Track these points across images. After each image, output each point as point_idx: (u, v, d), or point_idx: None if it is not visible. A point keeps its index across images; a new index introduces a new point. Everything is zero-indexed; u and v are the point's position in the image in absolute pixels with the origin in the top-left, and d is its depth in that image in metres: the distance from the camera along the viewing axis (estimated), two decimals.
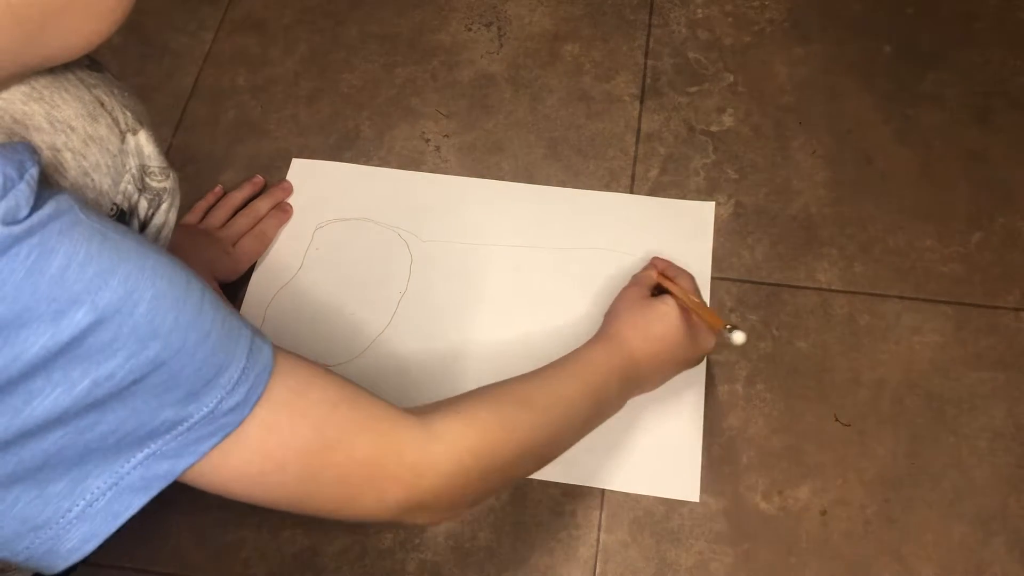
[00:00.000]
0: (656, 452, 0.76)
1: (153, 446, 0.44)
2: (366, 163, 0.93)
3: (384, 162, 0.92)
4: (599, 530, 0.74)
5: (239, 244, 0.85)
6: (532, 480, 0.76)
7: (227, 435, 0.46)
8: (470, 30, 1.00)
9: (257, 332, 0.48)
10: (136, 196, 0.53)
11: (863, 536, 0.73)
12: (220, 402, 0.45)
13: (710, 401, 0.78)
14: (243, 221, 0.87)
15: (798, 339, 0.80)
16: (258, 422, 0.47)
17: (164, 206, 0.55)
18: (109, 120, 0.51)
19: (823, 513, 0.74)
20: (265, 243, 0.87)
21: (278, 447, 0.48)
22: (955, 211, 0.86)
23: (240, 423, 0.46)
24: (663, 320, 0.71)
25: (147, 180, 0.54)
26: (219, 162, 0.94)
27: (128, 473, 0.44)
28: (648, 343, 0.70)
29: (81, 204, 0.41)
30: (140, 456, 0.44)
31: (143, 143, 0.53)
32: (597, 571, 0.73)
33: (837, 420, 0.77)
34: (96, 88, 0.51)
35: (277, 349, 0.49)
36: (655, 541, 0.73)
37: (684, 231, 0.86)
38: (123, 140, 0.52)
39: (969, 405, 0.77)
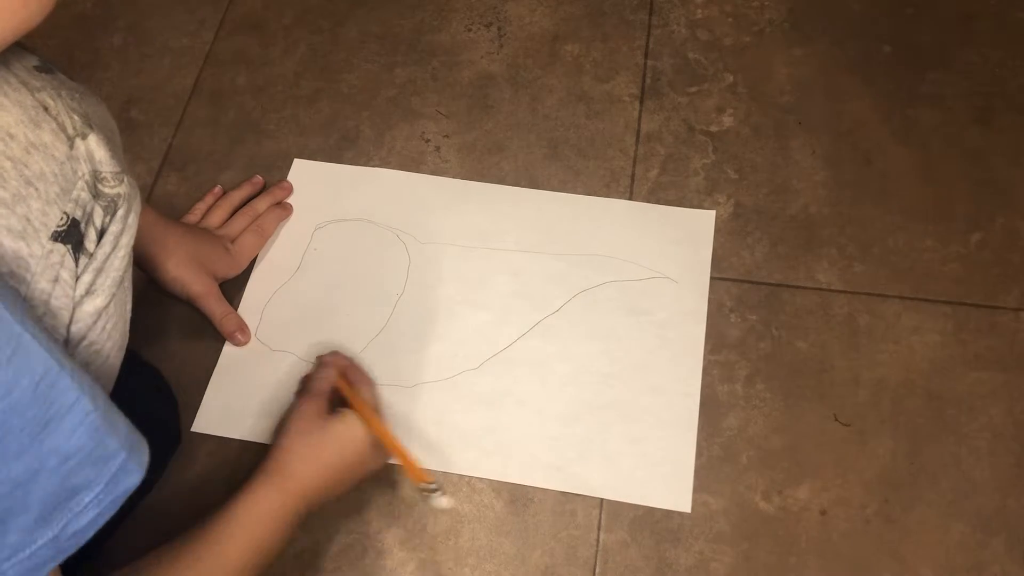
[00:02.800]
0: (649, 462, 0.76)
1: None
2: (366, 163, 0.93)
3: (384, 162, 0.92)
4: (599, 530, 0.74)
5: (238, 241, 0.85)
6: None
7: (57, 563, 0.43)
8: (470, 30, 1.00)
9: (137, 450, 0.45)
10: (91, 203, 0.51)
11: (863, 536, 0.73)
12: (62, 529, 0.42)
13: (710, 401, 0.78)
14: (242, 220, 0.87)
15: (798, 339, 0.80)
16: None
17: (120, 212, 0.53)
18: (54, 125, 0.49)
19: (823, 513, 0.74)
20: (264, 239, 0.87)
21: None
22: (955, 211, 0.86)
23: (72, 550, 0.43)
24: (341, 445, 0.68)
25: (100, 186, 0.51)
26: (219, 162, 0.94)
27: None
28: (323, 472, 0.67)
29: None
30: None
31: (94, 147, 0.51)
32: (597, 571, 0.73)
33: (837, 420, 0.77)
34: (41, 92, 0.49)
35: None
36: (655, 541, 0.73)
37: (684, 239, 0.85)
38: (71, 146, 0.50)
39: (969, 405, 0.77)
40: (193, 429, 0.79)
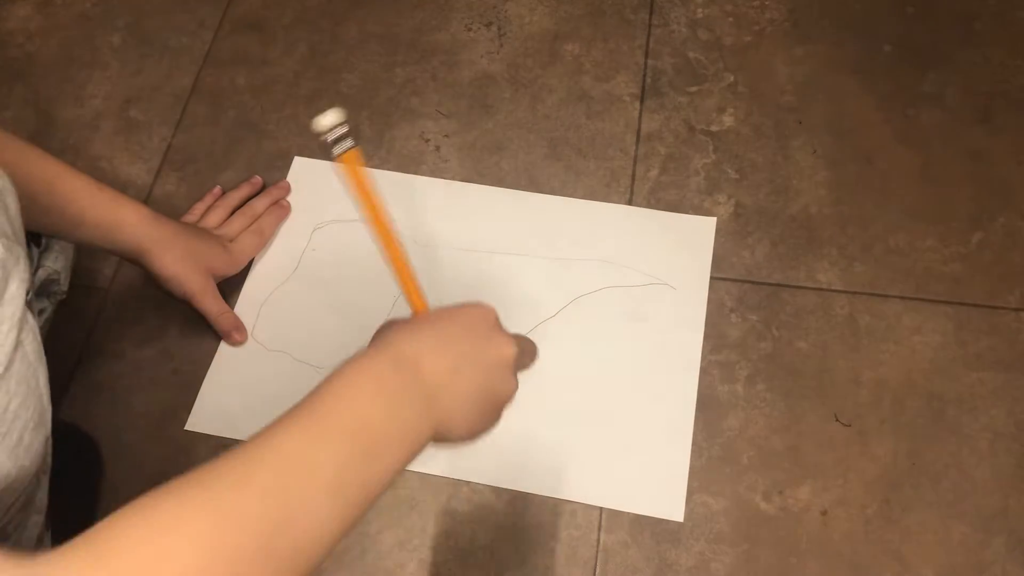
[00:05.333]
0: (642, 470, 0.75)
1: None
2: (366, 163, 0.92)
3: (384, 162, 0.92)
4: (599, 530, 0.74)
5: (237, 240, 0.85)
6: None
7: None
8: (470, 30, 1.00)
9: None
10: None
11: (863, 536, 0.72)
12: None
13: (710, 401, 0.78)
14: (241, 220, 0.86)
15: (798, 339, 0.80)
16: None
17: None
18: None
19: (823, 513, 0.73)
20: (264, 239, 0.87)
21: None
22: (955, 211, 0.86)
23: None
24: (425, 317, 0.57)
25: None
26: (219, 162, 0.94)
27: None
28: (418, 336, 0.52)
29: None
30: None
31: None
32: (597, 571, 0.73)
33: (837, 420, 0.77)
34: None
35: None
36: (655, 541, 0.73)
37: (683, 245, 0.85)
38: None
39: (969, 405, 0.77)
40: (187, 428, 0.79)
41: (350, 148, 0.47)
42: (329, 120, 0.45)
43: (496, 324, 0.57)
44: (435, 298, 0.83)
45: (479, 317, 0.56)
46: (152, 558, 0.35)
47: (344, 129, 0.47)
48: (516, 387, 0.57)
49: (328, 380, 0.49)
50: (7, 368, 0.48)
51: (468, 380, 0.53)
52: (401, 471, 0.47)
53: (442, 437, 0.52)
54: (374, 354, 0.50)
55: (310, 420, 0.46)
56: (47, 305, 0.75)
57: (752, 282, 0.83)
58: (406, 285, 0.57)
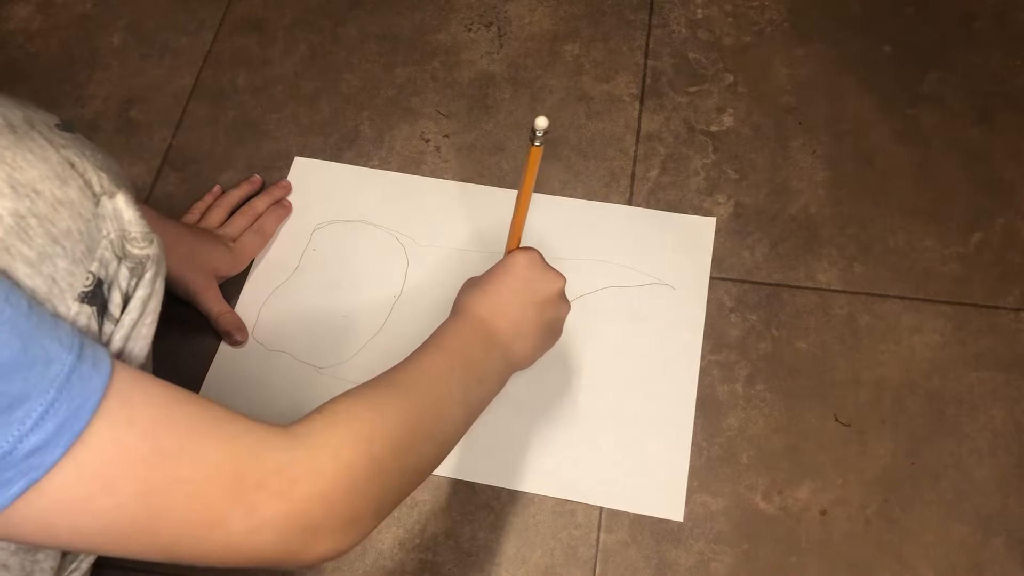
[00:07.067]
0: (642, 470, 0.76)
1: None
2: (366, 163, 0.93)
3: (384, 162, 0.92)
4: (599, 530, 0.74)
5: (239, 240, 0.85)
6: None
7: (33, 483, 0.40)
8: (470, 30, 1.00)
9: (88, 355, 0.42)
10: (115, 264, 0.49)
11: (863, 536, 0.73)
12: (19, 442, 0.39)
13: (710, 401, 0.78)
14: (242, 219, 0.86)
15: (798, 339, 0.80)
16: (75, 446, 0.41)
17: (148, 275, 0.51)
18: (80, 182, 0.47)
19: (823, 513, 0.74)
20: (265, 238, 0.87)
21: (103, 464, 0.41)
22: (955, 211, 0.86)
23: (51, 467, 0.40)
24: (490, 276, 0.70)
25: (128, 247, 0.50)
26: (219, 162, 0.94)
27: None
28: (488, 299, 0.68)
29: None
30: None
31: (122, 207, 0.49)
32: (597, 571, 0.73)
33: (837, 420, 0.77)
34: (66, 148, 0.48)
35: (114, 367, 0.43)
36: (655, 541, 0.73)
37: (683, 245, 0.85)
38: (97, 203, 0.48)
39: (969, 405, 0.77)
40: None
41: (541, 145, 0.64)
42: (544, 124, 0.62)
43: (542, 263, 0.71)
44: (435, 298, 0.84)
45: (528, 262, 0.70)
46: (371, 428, 0.53)
47: (545, 133, 0.64)
48: (568, 308, 0.75)
49: (436, 333, 0.65)
50: (144, 362, 0.52)
51: (531, 322, 0.70)
52: (493, 398, 0.67)
53: (520, 366, 0.71)
54: (460, 322, 0.67)
55: (442, 353, 0.63)
56: None
57: (752, 282, 0.83)
58: (515, 234, 0.73)
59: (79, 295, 0.47)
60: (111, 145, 0.96)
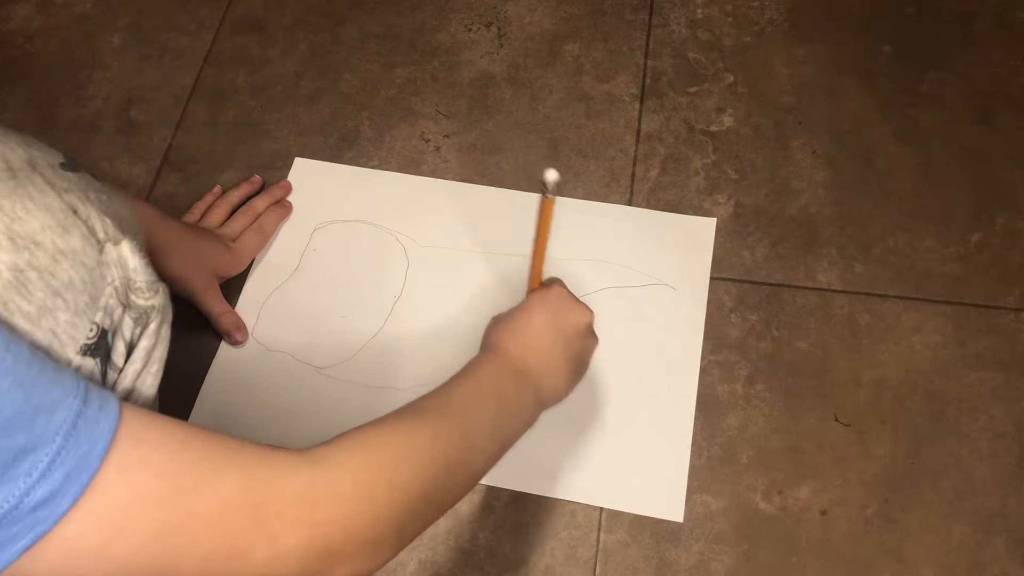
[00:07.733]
0: (642, 470, 0.76)
1: None
2: (366, 163, 0.93)
3: (384, 162, 0.92)
4: (599, 530, 0.74)
5: (240, 240, 0.85)
6: None
7: (40, 536, 0.38)
8: (470, 30, 1.00)
9: (94, 400, 0.39)
10: (119, 312, 0.47)
11: (863, 536, 0.73)
12: (24, 496, 0.37)
13: (710, 401, 0.78)
14: (242, 219, 0.86)
15: (798, 339, 0.80)
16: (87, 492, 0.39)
17: (153, 325, 0.49)
18: (84, 230, 0.45)
19: (823, 513, 0.74)
20: (266, 238, 0.87)
21: (117, 509, 0.39)
22: (955, 211, 0.86)
23: (59, 518, 0.38)
24: (519, 312, 0.69)
25: (132, 297, 0.48)
26: (219, 162, 0.94)
27: None
28: (518, 336, 0.67)
29: None
30: None
31: (127, 255, 0.47)
32: (597, 571, 0.73)
33: (837, 420, 0.77)
34: (69, 193, 0.46)
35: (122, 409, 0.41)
36: (655, 541, 0.73)
37: (683, 246, 0.85)
38: (101, 250, 0.46)
39: (969, 405, 0.77)
40: None
41: (552, 198, 0.68)
42: (554, 177, 0.65)
43: (570, 298, 0.71)
44: (435, 298, 0.84)
45: (555, 298, 0.70)
46: (394, 452, 0.51)
47: (556, 186, 0.67)
48: (596, 342, 0.74)
49: (468, 366, 0.64)
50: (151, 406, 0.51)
51: (560, 356, 0.69)
52: (522, 435, 0.64)
53: (550, 403, 0.69)
54: (491, 357, 0.66)
55: (473, 385, 0.62)
56: None
57: (752, 282, 0.84)
58: (536, 276, 0.74)
59: (82, 348, 0.45)
60: (111, 145, 0.96)
